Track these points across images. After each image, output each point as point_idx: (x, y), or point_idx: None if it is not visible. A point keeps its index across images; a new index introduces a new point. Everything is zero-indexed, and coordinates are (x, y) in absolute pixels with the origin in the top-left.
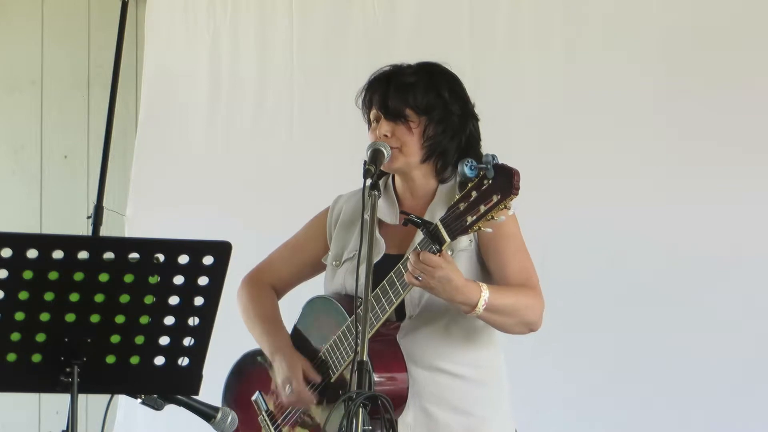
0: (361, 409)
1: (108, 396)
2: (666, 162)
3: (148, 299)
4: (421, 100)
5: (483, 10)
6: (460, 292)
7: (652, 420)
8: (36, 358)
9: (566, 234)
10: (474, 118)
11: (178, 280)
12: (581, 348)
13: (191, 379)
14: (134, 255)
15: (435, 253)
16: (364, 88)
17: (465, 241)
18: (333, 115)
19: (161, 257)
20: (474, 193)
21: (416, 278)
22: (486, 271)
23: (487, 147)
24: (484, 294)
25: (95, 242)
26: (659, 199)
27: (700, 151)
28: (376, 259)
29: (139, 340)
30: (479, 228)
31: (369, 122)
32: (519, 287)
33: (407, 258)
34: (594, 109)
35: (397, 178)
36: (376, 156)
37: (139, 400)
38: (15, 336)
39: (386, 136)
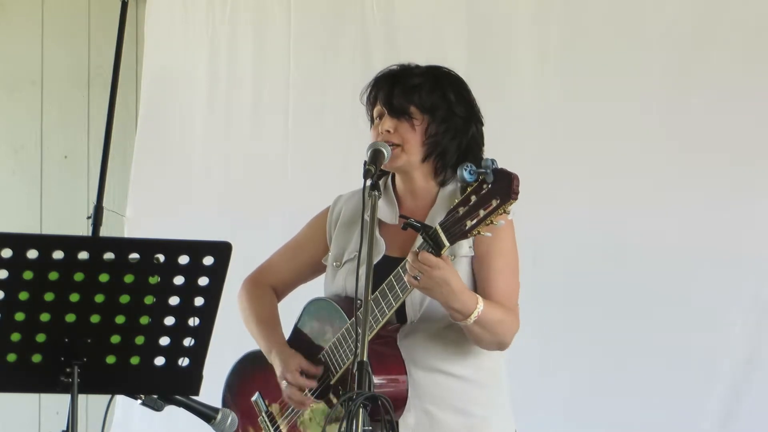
0: (361, 410)
1: (108, 396)
2: (663, 163)
3: (149, 300)
4: (426, 99)
5: (480, 11)
6: (457, 298)
7: (652, 420)
8: (36, 358)
9: (564, 234)
10: (478, 122)
11: (179, 280)
12: (581, 348)
13: (191, 380)
14: (134, 255)
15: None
16: (369, 84)
17: (466, 247)
18: (330, 116)
19: (161, 258)
20: (473, 198)
21: (414, 278)
22: None
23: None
24: (479, 306)
25: (95, 243)
26: (655, 199)
27: (697, 152)
28: (376, 259)
29: (139, 340)
30: (478, 232)
31: (372, 119)
32: (504, 307)
33: (406, 261)
34: (591, 110)
35: (397, 178)
36: (376, 156)
37: (139, 401)
38: (15, 336)
39: (389, 131)
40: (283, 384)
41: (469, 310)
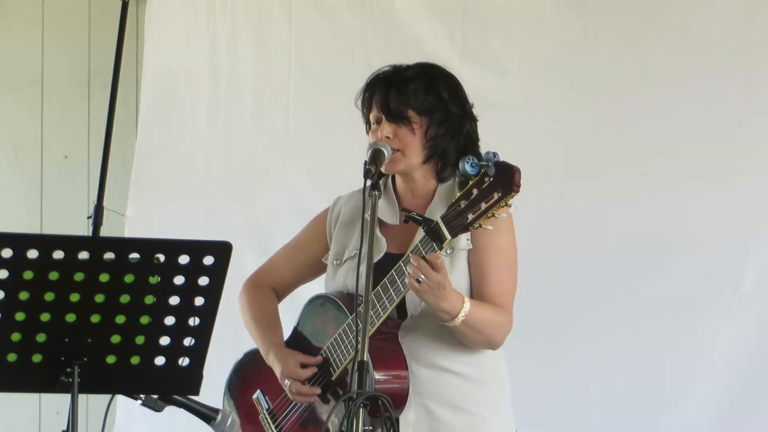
0: (361, 409)
1: (108, 396)
2: (654, 160)
3: (149, 299)
4: (422, 101)
5: (479, 11)
6: (447, 299)
7: (652, 419)
8: (36, 358)
9: (562, 234)
10: (473, 119)
11: (179, 280)
12: (581, 348)
13: (192, 380)
14: (134, 255)
15: (435, 251)
16: (363, 89)
17: (464, 241)
18: (331, 115)
19: (161, 257)
20: (475, 191)
21: (417, 280)
22: None
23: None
24: (466, 306)
25: (96, 242)
26: (651, 195)
27: (685, 149)
28: (377, 258)
29: (140, 340)
30: (480, 225)
31: (368, 123)
32: (495, 306)
33: (408, 256)
34: (587, 108)
35: (397, 177)
36: (376, 156)
37: (139, 402)
38: (15, 336)
39: (388, 137)
40: (286, 383)
41: (456, 310)
